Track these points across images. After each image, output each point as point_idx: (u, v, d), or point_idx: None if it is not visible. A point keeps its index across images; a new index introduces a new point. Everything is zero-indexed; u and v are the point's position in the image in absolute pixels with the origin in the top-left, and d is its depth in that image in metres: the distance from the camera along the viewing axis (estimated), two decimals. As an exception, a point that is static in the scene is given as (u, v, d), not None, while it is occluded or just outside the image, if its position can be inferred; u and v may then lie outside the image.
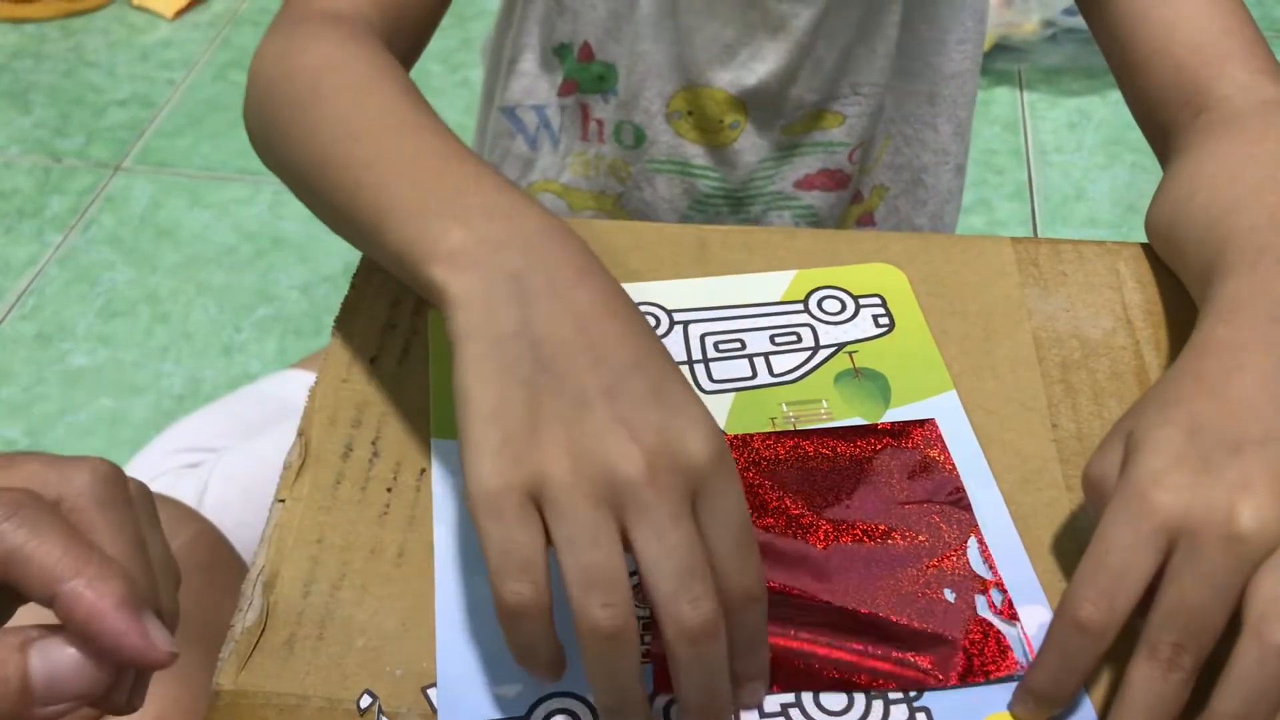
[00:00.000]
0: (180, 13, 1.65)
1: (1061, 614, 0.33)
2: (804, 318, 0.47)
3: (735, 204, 0.65)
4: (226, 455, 0.70)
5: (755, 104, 0.62)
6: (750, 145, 0.62)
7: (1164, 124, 0.52)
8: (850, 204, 0.66)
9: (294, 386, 0.83)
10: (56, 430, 1.10)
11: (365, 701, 0.34)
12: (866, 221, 0.67)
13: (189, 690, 0.52)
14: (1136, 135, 0.57)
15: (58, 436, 1.09)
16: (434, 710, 0.34)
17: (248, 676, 0.35)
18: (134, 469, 0.75)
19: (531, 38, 0.63)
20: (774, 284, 0.48)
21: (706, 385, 0.44)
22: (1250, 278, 0.39)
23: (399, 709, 0.34)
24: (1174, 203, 0.47)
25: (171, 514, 0.60)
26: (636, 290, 0.48)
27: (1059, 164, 1.43)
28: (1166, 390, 0.37)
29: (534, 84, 0.64)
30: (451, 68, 1.53)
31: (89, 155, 1.43)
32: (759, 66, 0.60)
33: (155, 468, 0.75)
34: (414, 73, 0.57)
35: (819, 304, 0.47)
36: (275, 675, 0.35)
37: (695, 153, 0.63)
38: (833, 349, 0.46)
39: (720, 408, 0.43)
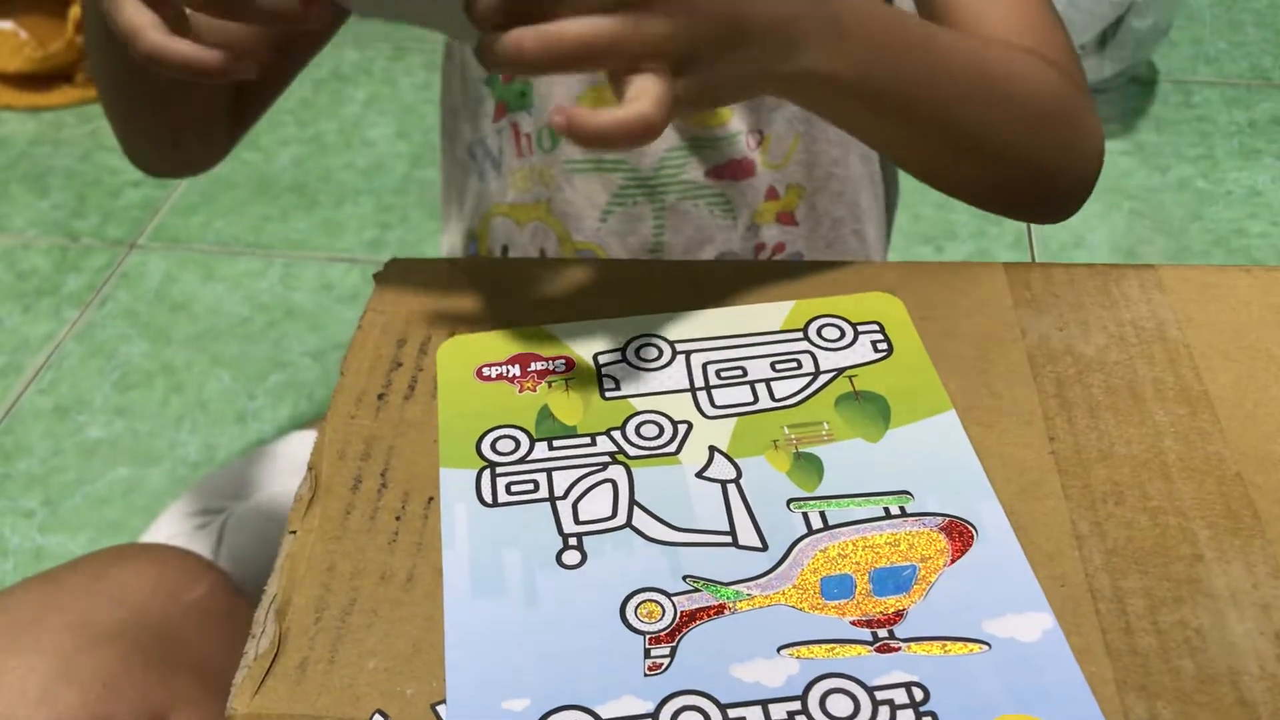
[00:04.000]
0: (194, 96, 1.70)
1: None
2: (803, 345, 0.48)
3: (650, 193, 0.67)
4: (239, 509, 0.70)
5: None
6: None
7: None
8: (765, 200, 0.69)
9: (304, 446, 0.84)
10: (74, 499, 1.11)
11: (377, 720, 0.35)
12: (787, 220, 0.69)
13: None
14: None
15: (75, 505, 1.10)
16: (444, 726, 0.34)
17: (261, 700, 0.35)
18: (148, 538, 0.75)
19: (469, 74, 0.68)
20: (773, 314, 0.49)
21: (709, 411, 0.45)
22: None
23: (410, 727, 0.35)
24: None
25: (189, 566, 0.61)
26: (638, 323, 0.49)
27: (1058, 213, 1.45)
28: None
29: (476, 118, 0.69)
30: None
31: (105, 234, 1.46)
32: None
33: (167, 532, 0.76)
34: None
35: (818, 332, 0.48)
36: (288, 698, 0.35)
37: None
38: (833, 374, 0.47)
39: (723, 432, 0.44)
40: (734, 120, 0.66)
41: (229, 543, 0.66)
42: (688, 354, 0.47)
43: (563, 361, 0.47)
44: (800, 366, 0.47)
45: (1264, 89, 1.67)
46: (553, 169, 0.67)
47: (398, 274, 0.52)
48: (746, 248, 0.68)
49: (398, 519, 0.41)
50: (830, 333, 0.48)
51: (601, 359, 0.47)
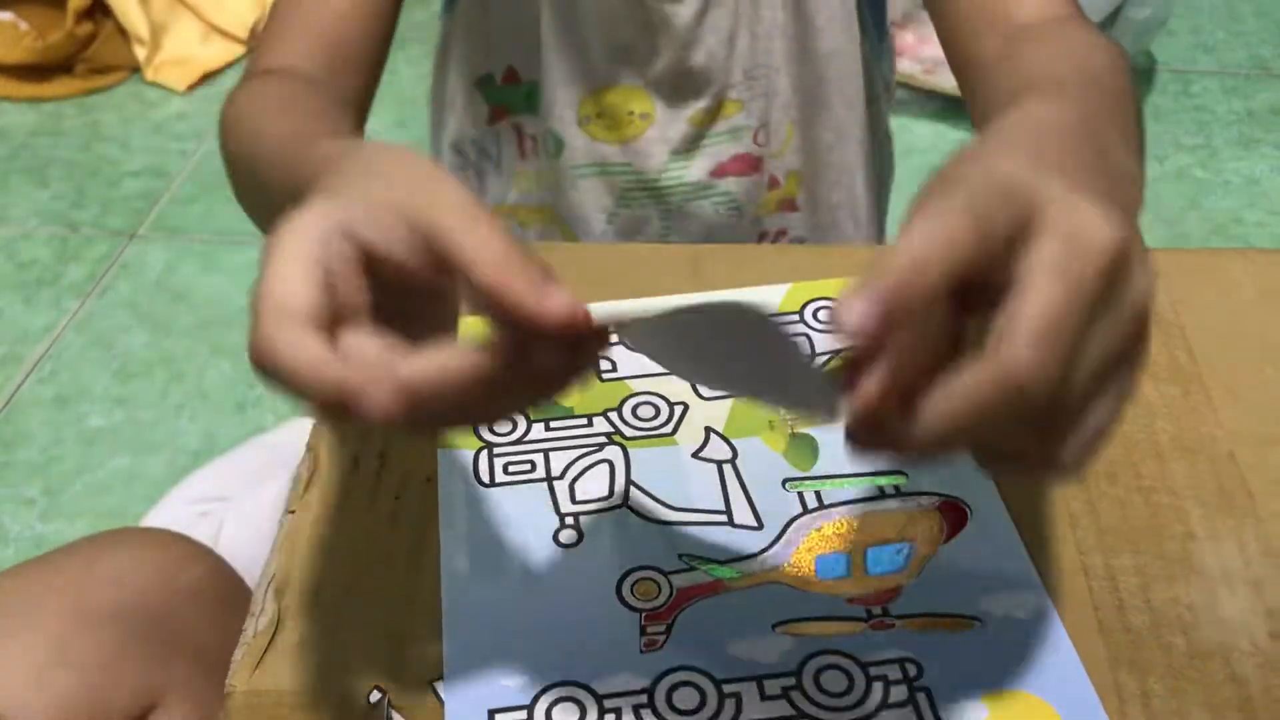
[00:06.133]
0: (193, 87, 1.69)
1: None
2: (800, 328, 0.48)
3: (656, 196, 0.68)
4: (239, 499, 0.71)
5: (659, 95, 0.65)
6: (659, 135, 0.66)
7: (970, 55, 0.53)
8: (768, 190, 0.69)
9: (304, 434, 0.84)
10: (74, 488, 1.11)
11: (375, 696, 0.35)
12: (789, 208, 0.70)
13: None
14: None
15: (75, 494, 1.11)
16: (441, 702, 0.35)
17: (260, 676, 0.36)
18: (148, 524, 0.76)
19: (459, 77, 0.68)
20: (770, 297, 0.49)
21: (705, 392, 0.45)
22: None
23: (408, 702, 0.35)
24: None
25: (187, 550, 0.61)
26: (634, 307, 0.49)
27: (1057, 202, 1.45)
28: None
29: (466, 119, 0.69)
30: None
31: (105, 225, 1.46)
32: (656, 61, 0.64)
33: (167, 519, 0.76)
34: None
35: (814, 314, 0.49)
36: (287, 674, 0.36)
37: (610, 151, 0.67)
38: (829, 356, 0.47)
39: (719, 412, 0.44)
40: (742, 115, 0.67)
41: (228, 533, 0.66)
42: (684, 336, 0.48)
43: (560, 344, 0.47)
44: (796, 349, 0.47)
45: (1263, 79, 1.67)
46: (558, 173, 0.68)
47: (396, 258, 0.52)
48: (751, 239, 0.69)
49: (396, 499, 0.41)
50: (826, 315, 0.48)
51: (598, 341, 0.47)
